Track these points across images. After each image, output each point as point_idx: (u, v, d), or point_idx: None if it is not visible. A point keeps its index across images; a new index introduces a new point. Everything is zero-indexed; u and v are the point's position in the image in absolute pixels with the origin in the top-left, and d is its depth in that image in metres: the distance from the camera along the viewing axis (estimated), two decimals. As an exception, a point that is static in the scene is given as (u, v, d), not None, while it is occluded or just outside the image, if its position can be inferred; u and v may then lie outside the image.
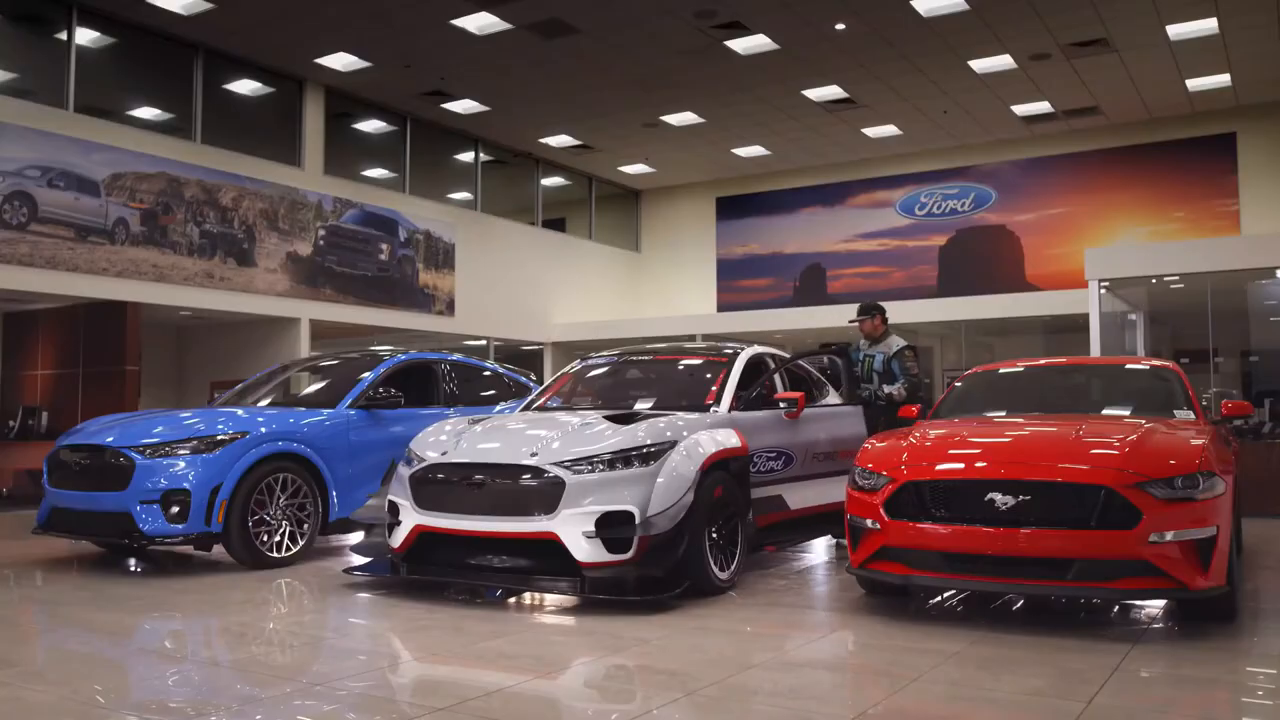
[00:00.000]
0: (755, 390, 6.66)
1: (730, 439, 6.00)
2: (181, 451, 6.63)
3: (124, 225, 12.25)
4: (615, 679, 4.10)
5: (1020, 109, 16.03)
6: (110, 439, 6.79)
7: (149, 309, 12.90)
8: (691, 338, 17.14)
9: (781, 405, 6.71)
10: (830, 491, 6.93)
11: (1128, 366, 7.27)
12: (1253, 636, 4.78)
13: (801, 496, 6.80)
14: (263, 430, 6.88)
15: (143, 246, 12.45)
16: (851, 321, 8.28)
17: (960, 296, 16.93)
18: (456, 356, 8.85)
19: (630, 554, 5.26)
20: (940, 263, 18.41)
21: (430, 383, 8.33)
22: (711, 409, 6.34)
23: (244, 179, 13.71)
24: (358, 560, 6.53)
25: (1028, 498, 4.70)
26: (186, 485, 6.51)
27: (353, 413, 7.48)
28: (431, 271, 16.40)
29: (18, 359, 13.94)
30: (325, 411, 7.39)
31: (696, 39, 13.15)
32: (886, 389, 7.73)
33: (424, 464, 5.78)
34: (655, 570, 5.35)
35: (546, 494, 5.35)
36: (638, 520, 5.28)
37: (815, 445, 6.96)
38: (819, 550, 7.75)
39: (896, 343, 7.97)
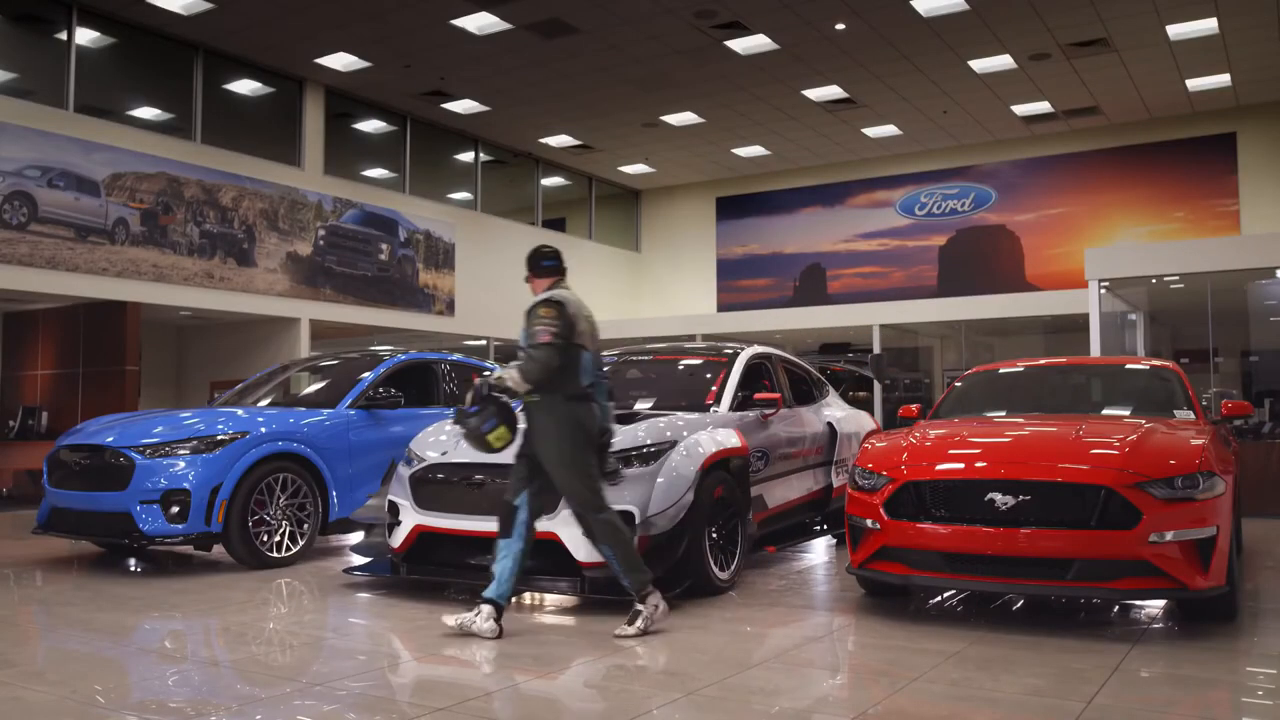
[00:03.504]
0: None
1: (730, 439, 6.00)
2: (181, 451, 6.63)
3: (124, 225, 12.25)
4: (615, 679, 4.10)
5: (1020, 109, 16.03)
6: (110, 439, 6.79)
7: (149, 309, 12.90)
8: (691, 338, 17.14)
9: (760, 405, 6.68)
10: (796, 486, 7.10)
11: (1128, 367, 7.27)
12: (1253, 636, 4.77)
13: (777, 495, 6.82)
14: (263, 430, 6.88)
15: (143, 246, 12.45)
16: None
17: (960, 296, 16.93)
18: (456, 356, 8.85)
19: (630, 554, 5.24)
20: (940, 263, 18.41)
21: (430, 383, 8.33)
22: (711, 409, 6.34)
23: (244, 179, 13.71)
24: (358, 560, 6.53)
25: (1028, 498, 4.70)
26: (186, 485, 6.51)
27: (353, 413, 7.48)
28: (431, 271, 16.40)
29: (18, 359, 13.94)
30: (325, 411, 7.39)
31: (696, 39, 13.15)
32: (497, 372, 4.87)
33: (424, 464, 5.78)
34: (655, 570, 5.34)
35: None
36: (638, 520, 5.28)
37: (781, 444, 6.94)
38: (819, 550, 7.75)
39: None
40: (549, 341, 4.72)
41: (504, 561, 4.79)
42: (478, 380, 4.95)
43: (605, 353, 7.72)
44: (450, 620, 4.78)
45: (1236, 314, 13.85)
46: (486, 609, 4.73)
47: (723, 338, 16.14)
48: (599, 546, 4.87)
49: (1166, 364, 6.71)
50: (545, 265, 5.07)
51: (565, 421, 4.79)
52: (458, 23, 12.68)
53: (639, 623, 4.75)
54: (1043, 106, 15.89)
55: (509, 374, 4.76)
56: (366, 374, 7.80)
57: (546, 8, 12.22)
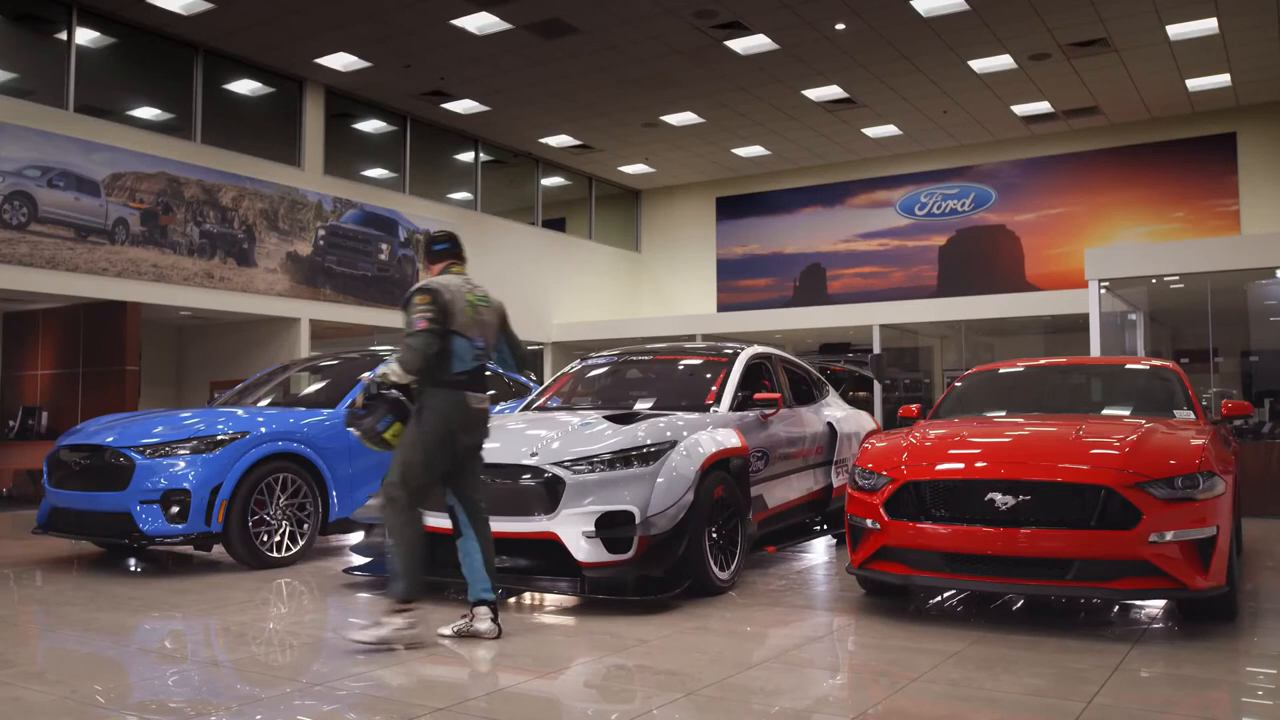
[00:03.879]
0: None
1: (730, 439, 6.00)
2: (181, 451, 6.63)
3: (124, 225, 12.25)
4: (615, 679, 4.10)
5: (1020, 109, 16.03)
6: (110, 439, 6.79)
7: (149, 309, 12.90)
8: (691, 338, 17.14)
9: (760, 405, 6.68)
10: (796, 486, 7.09)
11: (1128, 367, 7.27)
12: (1253, 636, 4.77)
13: (777, 495, 6.82)
14: (263, 430, 6.88)
15: (143, 246, 12.45)
16: None
17: (960, 296, 16.93)
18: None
19: (630, 554, 5.26)
20: (940, 263, 18.40)
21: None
22: (711, 409, 6.34)
23: (244, 179, 13.71)
24: (358, 560, 6.53)
25: (1028, 498, 4.70)
26: (186, 485, 6.51)
27: (353, 413, 7.47)
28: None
29: (18, 359, 13.94)
30: (325, 411, 7.39)
31: (696, 39, 13.15)
32: (380, 369, 4.80)
33: (424, 464, 5.77)
34: (655, 570, 5.35)
35: (546, 494, 5.35)
36: (638, 520, 5.28)
37: (781, 444, 6.92)
38: (819, 550, 7.76)
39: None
40: (425, 328, 4.67)
41: (469, 560, 4.78)
42: (364, 379, 4.90)
43: (604, 353, 7.75)
44: (445, 630, 4.73)
45: (1236, 314, 13.85)
46: (480, 610, 4.71)
47: (723, 338, 16.14)
48: (387, 536, 4.70)
49: (1166, 364, 6.70)
50: (436, 250, 5.07)
51: (427, 408, 4.72)
52: (458, 23, 12.68)
53: (376, 631, 4.51)
54: (1043, 106, 15.89)
55: (390, 368, 4.69)
56: (366, 374, 7.78)
57: (546, 8, 12.22)
